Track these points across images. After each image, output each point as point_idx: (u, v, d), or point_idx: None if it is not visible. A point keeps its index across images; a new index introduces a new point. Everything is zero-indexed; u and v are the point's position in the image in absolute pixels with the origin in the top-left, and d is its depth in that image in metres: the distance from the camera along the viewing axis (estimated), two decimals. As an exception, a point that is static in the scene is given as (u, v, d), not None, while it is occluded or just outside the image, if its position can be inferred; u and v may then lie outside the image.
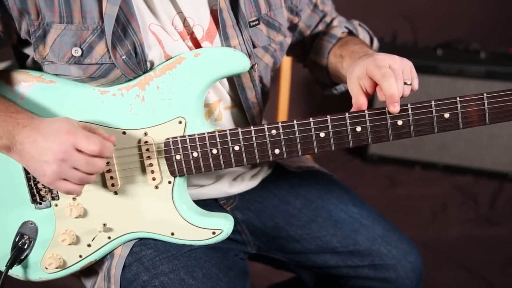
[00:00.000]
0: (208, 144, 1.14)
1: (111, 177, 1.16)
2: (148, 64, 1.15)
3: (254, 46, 1.25)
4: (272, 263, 1.49)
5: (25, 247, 1.20)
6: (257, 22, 1.25)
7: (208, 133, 1.14)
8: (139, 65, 1.13)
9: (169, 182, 1.17)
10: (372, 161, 3.22)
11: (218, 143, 1.14)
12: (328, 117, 1.11)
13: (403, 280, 1.35)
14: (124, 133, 1.15)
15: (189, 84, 1.14)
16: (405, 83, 1.08)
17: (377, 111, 1.10)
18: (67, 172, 1.05)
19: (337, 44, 1.37)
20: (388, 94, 1.06)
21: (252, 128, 1.13)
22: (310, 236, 1.37)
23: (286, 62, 2.63)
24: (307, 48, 1.46)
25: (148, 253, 1.19)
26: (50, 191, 1.18)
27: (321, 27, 1.45)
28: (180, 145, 1.14)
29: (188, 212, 1.18)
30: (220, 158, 1.15)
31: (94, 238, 1.19)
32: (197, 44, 1.21)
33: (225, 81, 1.26)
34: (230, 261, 1.26)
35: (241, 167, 1.36)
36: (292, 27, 1.37)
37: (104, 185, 1.17)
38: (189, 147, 1.14)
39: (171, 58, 1.16)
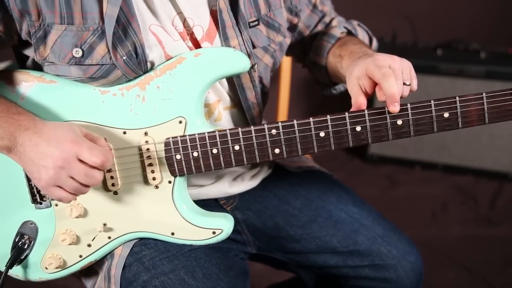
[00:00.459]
0: (208, 144, 1.14)
1: (111, 177, 1.16)
2: (149, 65, 1.15)
3: (253, 47, 1.25)
4: (272, 263, 1.49)
5: (25, 247, 1.20)
6: (256, 22, 1.25)
7: (208, 132, 1.14)
8: (139, 65, 1.13)
9: (169, 182, 1.17)
10: (372, 161, 3.22)
11: (218, 142, 1.14)
12: (328, 116, 1.11)
13: (403, 280, 1.35)
14: (124, 133, 1.15)
15: (189, 84, 1.14)
16: (404, 84, 1.09)
17: (377, 110, 1.10)
18: (63, 180, 1.05)
19: (336, 44, 1.38)
20: (388, 93, 1.06)
21: (252, 127, 1.13)
22: (310, 236, 1.37)
23: (286, 62, 2.63)
24: (306, 48, 1.46)
25: (148, 253, 1.19)
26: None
27: (320, 27, 1.45)
28: (180, 145, 1.15)
29: (188, 211, 1.18)
30: (221, 157, 1.15)
31: (94, 238, 1.19)
32: (197, 45, 1.21)
33: (224, 81, 1.26)
34: (230, 261, 1.26)
35: (241, 167, 1.36)
36: (292, 27, 1.37)
37: (105, 185, 1.17)
38: (189, 146, 1.14)
39: (172, 58, 1.16)
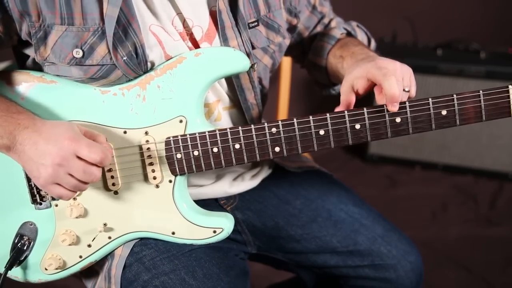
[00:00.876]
0: (208, 143, 1.14)
1: (112, 177, 1.16)
2: (149, 65, 1.15)
3: (253, 48, 1.25)
4: (272, 263, 1.49)
5: (25, 248, 1.20)
6: (256, 23, 1.25)
7: (208, 131, 1.14)
8: (140, 65, 1.13)
9: (170, 181, 1.17)
10: (372, 161, 3.22)
11: (219, 141, 1.14)
12: (328, 115, 1.12)
13: (403, 280, 1.35)
14: (125, 132, 1.15)
15: (189, 83, 1.14)
16: (404, 90, 1.11)
17: (376, 108, 1.11)
18: (62, 177, 1.06)
19: (336, 45, 1.38)
20: (389, 93, 1.07)
21: (252, 126, 1.13)
22: (310, 236, 1.37)
23: (286, 62, 2.63)
24: (306, 49, 1.47)
25: (148, 253, 1.19)
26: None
27: (319, 28, 1.46)
28: (181, 144, 1.15)
29: (188, 211, 1.18)
30: (221, 156, 1.15)
31: (94, 238, 1.19)
32: (196, 45, 1.21)
33: (223, 81, 1.26)
34: (230, 261, 1.26)
35: (242, 167, 1.37)
36: (291, 28, 1.37)
37: (105, 184, 1.17)
38: (189, 145, 1.15)
39: (172, 58, 1.16)
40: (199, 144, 1.14)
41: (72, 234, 1.19)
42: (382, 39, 3.20)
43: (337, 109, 1.14)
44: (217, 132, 1.14)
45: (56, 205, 1.19)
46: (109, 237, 1.19)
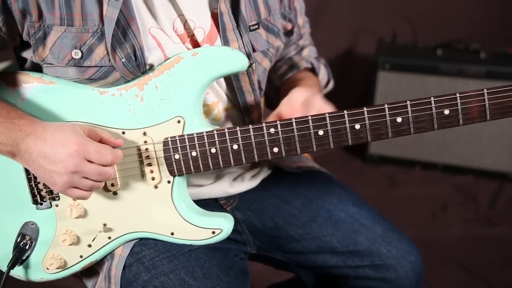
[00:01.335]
0: (206, 143, 1.14)
1: (111, 177, 1.16)
2: (148, 67, 1.15)
3: (253, 50, 1.25)
4: (272, 263, 1.49)
5: (27, 247, 1.20)
6: (256, 26, 1.25)
7: (206, 132, 1.14)
8: (138, 68, 1.13)
9: (168, 182, 1.17)
10: (372, 161, 3.22)
11: (217, 142, 1.14)
12: (327, 114, 1.11)
13: (403, 280, 1.34)
14: (123, 133, 1.15)
15: (187, 83, 1.14)
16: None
17: (376, 108, 1.10)
18: (78, 181, 1.08)
19: (296, 74, 1.43)
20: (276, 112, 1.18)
21: (250, 126, 1.13)
22: (310, 236, 1.37)
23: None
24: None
25: (148, 253, 1.19)
26: (51, 191, 1.19)
27: (293, 48, 1.50)
28: (179, 145, 1.15)
29: (187, 211, 1.18)
30: (219, 157, 1.15)
31: (94, 238, 1.20)
32: (197, 47, 1.21)
33: (223, 83, 1.26)
34: (230, 261, 1.26)
35: (241, 167, 1.37)
36: (287, 33, 1.37)
37: (104, 185, 1.17)
38: (187, 146, 1.14)
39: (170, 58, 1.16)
40: (197, 145, 1.14)
41: (72, 234, 1.19)
42: (382, 39, 3.20)
43: (268, 119, 1.19)
44: (215, 132, 1.13)
45: (57, 205, 1.19)
46: (109, 237, 1.20)
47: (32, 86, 1.16)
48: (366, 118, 1.10)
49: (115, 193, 1.18)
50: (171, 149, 1.15)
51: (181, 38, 1.19)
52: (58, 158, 1.05)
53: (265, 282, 1.90)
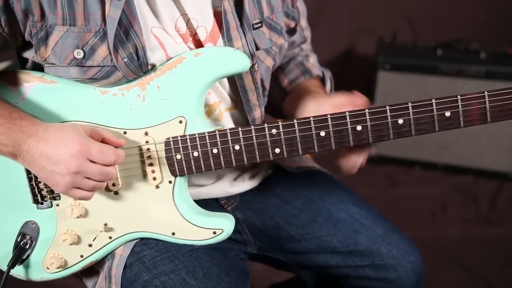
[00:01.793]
0: (208, 144, 1.14)
1: (112, 177, 1.16)
2: (150, 67, 1.15)
3: (257, 48, 1.25)
4: (273, 263, 1.49)
5: (27, 247, 1.20)
6: (260, 24, 1.25)
7: (208, 132, 1.14)
8: (140, 67, 1.13)
9: (170, 182, 1.17)
10: (372, 161, 3.22)
11: (219, 142, 1.14)
12: (329, 115, 1.11)
13: (403, 280, 1.35)
14: (125, 133, 1.15)
15: (189, 83, 1.14)
16: None
17: (378, 109, 1.10)
18: (80, 182, 1.08)
19: (308, 80, 1.43)
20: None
21: (252, 127, 1.13)
22: (310, 236, 1.37)
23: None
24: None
25: (149, 253, 1.19)
26: (52, 191, 1.18)
27: (297, 51, 1.50)
28: (180, 145, 1.15)
29: (189, 212, 1.18)
30: (221, 157, 1.15)
31: (95, 238, 1.20)
32: (199, 46, 1.20)
33: (225, 82, 1.26)
34: (230, 261, 1.26)
35: (242, 167, 1.36)
36: (290, 31, 1.37)
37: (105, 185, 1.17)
38: (189, 146, 1.14)
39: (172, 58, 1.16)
40: (198, 145, 1.14)
41: (73, 233, 1.19)
42: (382, 39, 3.20)
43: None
44: (217, 133, 1.13)
45: (57, 205, 1.19)
46: (110, 237, 1.20)
47: (33, 85, 1.16)
48: (368, 120, 1.10)
49: (116, 193, 1.18)
50: (172, 149, 1.15)
51: (183, 37, 1.19)
52: (60, 159, 1.05)
53: (265, 282, 1.90)
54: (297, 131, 1.12)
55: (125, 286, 1.18)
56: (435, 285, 2.23)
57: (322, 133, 1.12)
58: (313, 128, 1.12)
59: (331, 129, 1.11)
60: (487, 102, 1.07)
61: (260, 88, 1.29)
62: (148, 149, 1.15)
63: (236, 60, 1.14)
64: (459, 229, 2.65)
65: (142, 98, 1.15)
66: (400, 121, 1.09)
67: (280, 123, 1.12)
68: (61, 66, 1.13)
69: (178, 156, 1.15)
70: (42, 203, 1.19)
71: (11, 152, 1.09)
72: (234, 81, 1.25)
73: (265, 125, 1.12)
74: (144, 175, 1.17)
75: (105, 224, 1.19)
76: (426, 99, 1.09)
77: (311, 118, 1.11)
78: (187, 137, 1.14)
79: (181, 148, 1.15)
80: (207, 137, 1.14)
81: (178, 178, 1.17)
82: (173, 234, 1.19)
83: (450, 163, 3.08)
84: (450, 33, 3.23)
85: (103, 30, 1.09)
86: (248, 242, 1.37)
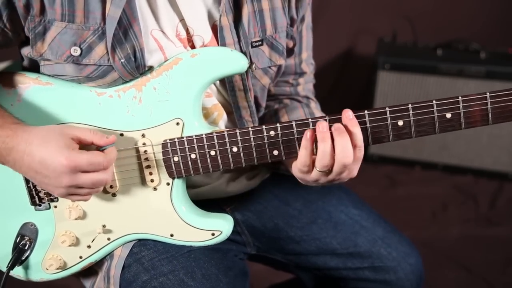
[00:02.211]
0: (206, 146, 1.13)
1: (110, 179, 1.16)
2: (147, 69, 1.14)
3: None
4: (272, 263, 1.49)
5: (26, 248, 1.20)
6: (260, 42, 1.23)
7: (205, 134, 1.13)
8: (137, 69, 1.12)
9: (168, 184, 1.17)
10: (372, 161, 3.22)
11: (216, 144, 1.13)
12: (327, 117, 1.10)
13: (403, 282, 1.34)
14: (121, 135, 1.15)
15: (186, 84, 1.13)
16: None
17: (377, 111, 1.09)
18: (75, 190, 1.08)
19: None
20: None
21: (250, 129, 1.12)
22: (310, 238, 1.37)
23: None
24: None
25: (147, 254, 1.19)
26: (49, 193, 1.18)
27: (291, 80, 1.42)
28: (177, 147, 1.14)
29: (187, 213, 1.18)
30: (218, 159, 1.14)
31: (93, 240, 1.19)
32: None
33: (224, 85, 1.25)
34: (229, 261, 1.25)
35: (240, 168, 1.36)
36: (288, 51, 1.34)
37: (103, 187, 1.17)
38: (186, 148, 1.14)
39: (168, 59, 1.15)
40: (196, 147, 1.14)
41: (71, 235, 1.19)
42: (382, 39, 3.20)
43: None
44: (215, 135, 1.13)
45: (55, 207, 1.19)
46: (108, 239, 1.20)
47: (28, 87, 1.15)
48: (367, 122, 1.09)
49: (114, 195, 1.17)
50: (170, 151, 1.14)
51: (183, 42, 1.18)
52: (50, 175, 1.05)
53: (265, 282, 1.90)
54: (295, 132, 1.11)
55: (124, 287, 1.17)
56: (435, 285, 2.22)
57: (321, 135, 1.11)
58: (311, 130, 1.11)
59: (330, 130, 1.10)
60: (488, 103, 1.06)
61: (253, 106, 1.28)
62: (145, 151, 1.15)
63: (233, 61, 1.13)
64: (459, 229, 2.65)
65: (138, 99, 1.14)
66: (400, 123, 1.08)
67: (278, 125, 1.11)
68: (56, 63, 1.12)
69: (176, 158, 1.14)
70: (40, 205, 1.19)
71: None
72: (227, 89, 1.23)
73: (263, 126, 1.11)
74: (142, 177, 1.16)
75: (104, 226, 1.19)
76: (426, 100, 1.07)
77: (309, 120, 1.10)
78: (184, 139, 1.13)
79: (178, 150, 1.14)
80: (204, 139, 1.13)
81: (176, 180, 1.16)
82: (172, 235, 1.18)
83: (450, 163, 3.08)
84: (450, 33, 3.22)
85: (102, 28, 1.09)
86: (247, 243, 1.37)
